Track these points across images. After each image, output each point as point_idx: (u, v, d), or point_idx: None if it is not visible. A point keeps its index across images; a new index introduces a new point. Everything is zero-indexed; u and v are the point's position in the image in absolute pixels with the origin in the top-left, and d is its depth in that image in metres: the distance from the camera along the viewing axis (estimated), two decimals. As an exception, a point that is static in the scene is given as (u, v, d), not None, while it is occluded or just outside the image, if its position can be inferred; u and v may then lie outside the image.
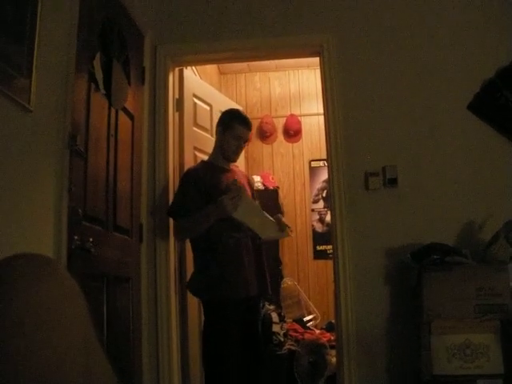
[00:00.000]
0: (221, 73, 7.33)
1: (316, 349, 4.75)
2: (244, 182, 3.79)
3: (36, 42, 2.12)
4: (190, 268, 3.78)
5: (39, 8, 2.15)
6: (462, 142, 3.72)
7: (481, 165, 3.67)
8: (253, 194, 3.83)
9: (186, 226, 3.49)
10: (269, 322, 4.88)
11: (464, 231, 3.56)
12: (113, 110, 3.13)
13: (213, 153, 3.78)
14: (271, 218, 3.51)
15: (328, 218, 6.46)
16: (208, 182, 3.50)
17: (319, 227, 6.87)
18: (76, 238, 2.47)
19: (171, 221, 3.74)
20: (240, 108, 3.84)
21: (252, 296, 3.47)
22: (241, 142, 3.66)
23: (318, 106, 6.59)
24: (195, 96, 4.43)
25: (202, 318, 3.63)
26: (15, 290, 0.69)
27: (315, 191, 6.98)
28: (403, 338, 3.49)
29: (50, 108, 2.32)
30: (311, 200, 6.96)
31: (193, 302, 4.05)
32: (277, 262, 6.00)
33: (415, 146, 3.75)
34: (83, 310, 0.78)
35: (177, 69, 4.22)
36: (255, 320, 3.64)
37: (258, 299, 3.70)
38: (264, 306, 5.11)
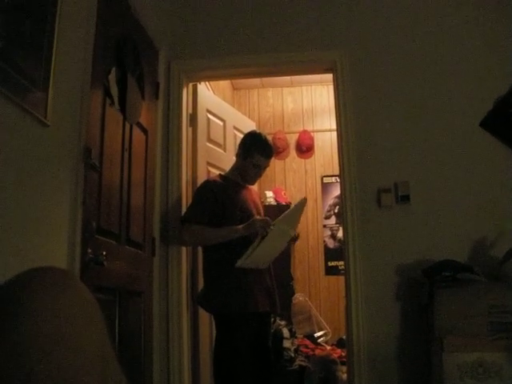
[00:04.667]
0: (234, 88, 7.36)
1: (327, 365, 4.73)
2: (257, 200, 3.85)
3: (53, 57, 2.15)
4: (202, 283, 3.78)
5: (57, 23, 2.18)
6: (474, 158, 3.71)
7: (493, 181, 3.66)
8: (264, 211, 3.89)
9: (204, 234, 3.50)
10: (280, 337, 4.87)
11: (476, 248, 3.55)
12: (127, 125, 3.15)
13: (232, 170, 3.82)
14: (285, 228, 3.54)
15: (340, 233, 6.45)
16: (225, 195, 3.55)
17: (331, 243, 6.86)
18: (89, 251, 2.49)
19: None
20: (262, 133, 3.77)
21: (262, 312, 3.48)
22: (260, 169, 3.70)
23: (330, 122, 6.58)
24: (209, 111, 4.45)
25: (214, 332, 3.64)
26: (34, 302, 0.70)
27: (327, 207, 6.98)
28: (414, 355, 3.47)
29: (65, 122, 2.35)
30: (323, 216, 6.96)
31: (204, 316, 4.05)
32: (288, 278, 6.00)
33: (427, 163, 3.74)
34: (100, 323, 0.79)
35: (190, 84, 4.25)
36: (266, 336, 3.64)
37: (268, 315, 3.70)
38: (275, 321, 5.10)
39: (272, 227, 3.38)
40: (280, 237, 3.51)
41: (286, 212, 3.58)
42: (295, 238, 3.76)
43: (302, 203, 3.61)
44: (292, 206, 3.66)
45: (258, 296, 3.44)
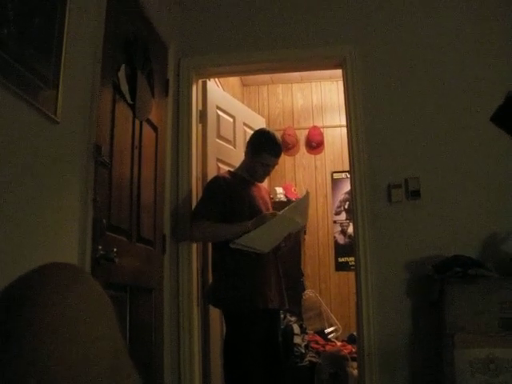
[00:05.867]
0: (243, 84, 7.36)
1: (337, 361, 4.73)
2: (266, 196, 3.86)
3: (63, 54, 2.15)
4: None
5: (66, 21, 2.19)
6: (484, 153, 3.69)
7: (504, 176, 3.64)
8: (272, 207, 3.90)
9: (214, 230, 3.53)
10: (290, 333, 4.88)
11: (487, 243, 3.53)
12: (137, 122, 3.16)
13: (240, 167, 3.82)
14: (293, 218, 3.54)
15: (350, 229, 6.44)
16: (234, 191, 3.56)
17: (341, 239, 6.86)
18: (100, 248, 2.49)
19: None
20: (270, 131, 3.72)
21: (271, 308, 3.48)
22: (269, 168, 3.69)
23: (340, 118, 6.58)
24: (218, 108, 4.45)
25: (224, 329, 3.65)
26: (47, 298, 0.71)
27: (337, 203, 6.97)
28: (425, 351, 3.46)
29: (75, 119, 2.35)
30: (333, 212, 6.95)
31: (215, 312, 4.06)
32: (299, 274, 6.00)
33: (438, 158, 3.73)
34: (111, 318, 0.80)
35: (200, 81, 4.25)
36: (276, 332, 3.64)
37: (277, 312, 3.71)
38: (285, 317, 5.11)
39: (275, 217, 3.42)
40: (285, 224, 3.51)
41: (292, 204, 3.60)
42: (299, 232, 3.77)
43: (306, 196, 3.62)
44: (295, 200, 3.71)
45: (267, 292, 3.45)
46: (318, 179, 7.08)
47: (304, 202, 3.62)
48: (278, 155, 3.67)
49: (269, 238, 3.49)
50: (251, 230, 3.41)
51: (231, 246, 3.38)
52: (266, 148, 3.60)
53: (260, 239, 3.43)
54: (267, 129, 3.92)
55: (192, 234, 3.65)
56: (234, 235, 3.43)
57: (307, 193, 3.64)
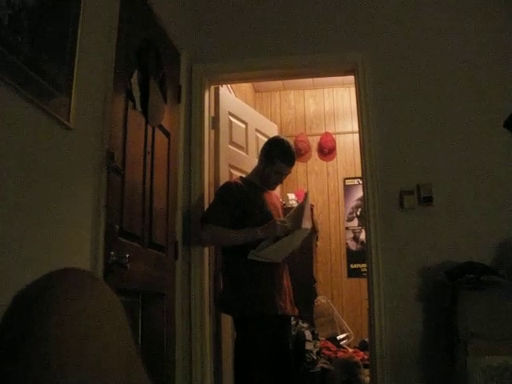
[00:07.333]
0: (256, 91, 7.37)
1: (349, 367, 4.71)
2: (277, 203, 3.86)
3: (76, 61, 2.16)
4: (224, 285, 3.80)
5: (79, 27, 2.20)
6: (497, 159, 3.67)
7: (518, 183, 3.63)
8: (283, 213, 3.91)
9: (223, 235, 3.53)
10: (302, 339, 4.86)
11: (501, 250, 3.51)
12: (149, 128, 3.17)
13: (253, 173, 3.83)
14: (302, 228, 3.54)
15: (362, 236, 6.43)
16: (245, 197, 3.56)
17: (353, 245, 6.85)
18: (112, 253, 2.50)
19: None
20: (285, 139, 3.71)
21: (281, 315, 3.48)
22: (282, 176, 3.70)
23: (352, 124, 6.59)
24: (231, 114, 4.45)
25: (235, 334, 3.65)
26: (59, 304, 0.71)
27: (349, 209, 6.96)
28: (438, 358, 3.44)
29: (88, 125, 2.36)
30: (345, 218, 6.94)
31: (226, 318, 4.06)
32: (311, 280, 5.99)
33: (450, 164, 3.71)
34: (125, 324, 0.80)
35: (212, 87, 4.26)
36: (287, 338, 3.63)
37: (288, 318, 3.70)
38: (297, 323, 5.10)
39: (295, 231, 3.42)
40: (300, 235, 3.51)
41: (304, 212, 3.59)
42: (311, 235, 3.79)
43: (307, 198, 3.68)
44: (298, 204, 3.75)
45: (276, 298, 3.45)
46: (330, 185, 7.09)
47: (307, 204, 3.65)
48: (291, 164, 3.67)
49: (285, 250, 3.50)
50: (261, 236, 3.41)
51: (248, 257, 3.38)
52: (280, 156, 3.60)
53: (277, 252, 3.45)
54: (282, 137, 3.90)
55: (201, 237, 3.65)
56: (243, 241, 3.43)
57: (306, 194, 3.69)
